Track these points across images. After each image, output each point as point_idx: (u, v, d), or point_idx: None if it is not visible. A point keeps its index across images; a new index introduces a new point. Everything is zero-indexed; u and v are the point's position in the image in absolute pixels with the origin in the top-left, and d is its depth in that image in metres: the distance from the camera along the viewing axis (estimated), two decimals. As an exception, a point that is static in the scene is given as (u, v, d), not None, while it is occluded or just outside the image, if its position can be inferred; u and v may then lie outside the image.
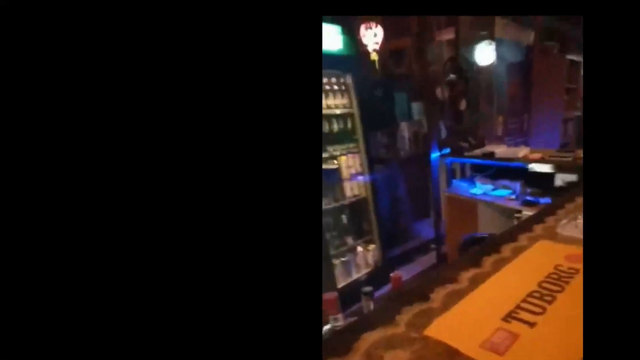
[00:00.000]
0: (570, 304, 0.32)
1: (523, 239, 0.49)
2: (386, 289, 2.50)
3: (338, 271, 2.29)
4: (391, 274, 0.94)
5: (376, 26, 2.21)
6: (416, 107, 3.11)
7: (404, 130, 3.04)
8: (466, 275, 0.40)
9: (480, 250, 0.47)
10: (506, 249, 0.46)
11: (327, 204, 2.16)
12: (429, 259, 2.79)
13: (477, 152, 2.47)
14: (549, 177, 1.90)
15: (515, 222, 1.05)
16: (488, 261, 0.43)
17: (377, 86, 2.61)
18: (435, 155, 2.56)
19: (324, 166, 2.12)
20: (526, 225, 0.53)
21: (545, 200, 1.89)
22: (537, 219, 0.57)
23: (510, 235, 0.50)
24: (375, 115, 2.47)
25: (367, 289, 0.88)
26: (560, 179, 1.89)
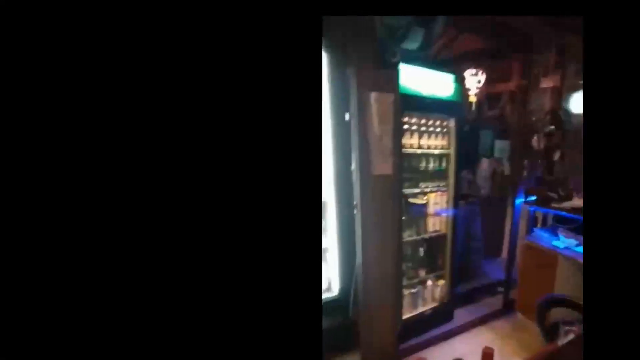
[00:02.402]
0: None
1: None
2: (448, 326, 2.53)
3: (406, 302, 2.35)
4: (484, 349, 0.94)
5: (482, 73, 2.26)
6: (499, 144, 3.08)
7: (484, 166, 3.03)
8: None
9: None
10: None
11: (409, 236, 2.23)
12: (496, 301, 2.75)
13: (566, 204, 2.40)
14: None
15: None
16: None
17: (467, 125, 2.64)
18: (519, 200, 2.54)
19: (414, 200, 2.20)
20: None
21: None
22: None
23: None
24: (463, 153, 2.51)
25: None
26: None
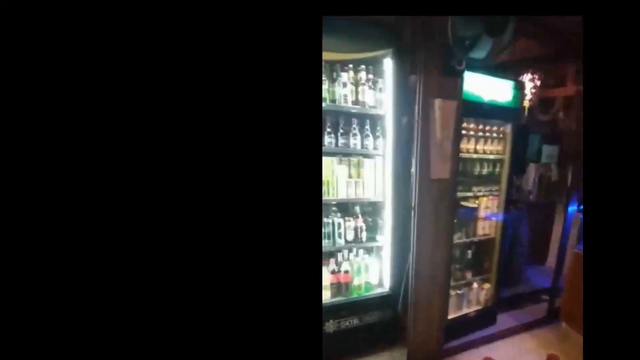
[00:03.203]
0: None
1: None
2: (491, 330, 2.53)
3: (451, 302, 2.39)
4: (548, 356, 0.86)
5: (537, 78, 2.24)
6: (547, 149, 3.03)
7: (531, 171, 2.99)
8: None
9: None
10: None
11: (458, 238, 2.27)
12: (540, 309, 2.72)
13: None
14: None
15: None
16: None
17: (520, 130, 2.62)
18: (572, 208, 2.49)
19: (465, 204, 2.24)
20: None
21: None
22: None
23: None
24: (515, 158, 2.50)
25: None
26: None
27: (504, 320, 2.63)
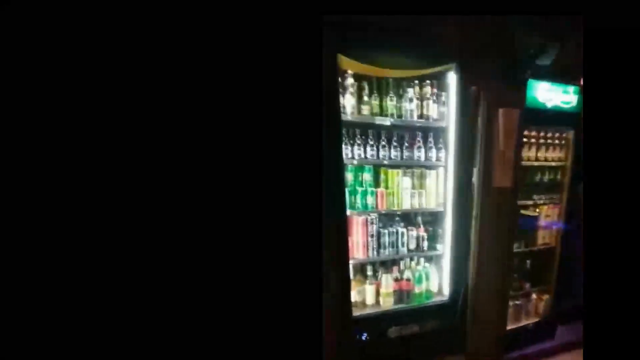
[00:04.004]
0: None
1: None
2: (549, 343, 2.45)
3: (510, 313, 2.34)
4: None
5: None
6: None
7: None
8: None
9: None
10: None
11: (517, 247, 2.24)
12: (604, 323, 2.60)
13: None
14: None
15: None
16: None
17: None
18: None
19: (525, 212, 2.20)
20: None
21: None
22: None
23: None
24: (577, 165, 2.42)
25: None
26: None
27: (564, 334, 2.52)
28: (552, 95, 2.00)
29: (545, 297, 2.48)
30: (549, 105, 2.00)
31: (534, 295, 2.44)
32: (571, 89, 2.07)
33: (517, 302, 2.37)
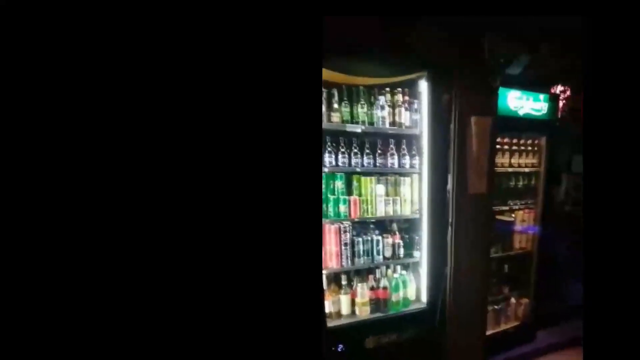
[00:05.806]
0: None
1: None
2: (529, 346, 2.46)
3: (489, 318, 2.35)
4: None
5: (568, 89, 2.25)
6: (577, 159, 2.96)
7: (564, 182, 2.92)
8: None
9: None
10: None
11: (494, 252, 2.25)
12: (581, 326, 2.62)
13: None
14: None
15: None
16: None
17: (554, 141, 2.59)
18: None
19: (501, 217, 2.22)
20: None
21: None
22: None
23: None
24: (550, 170, 2.46)
25: None
26: None
27: (544, 337, 2.54)
28: (523, 102, 2.03)
29: (524, 300, 2.49)
30: (521, 113, 2.03)
31: (513, 300, 2.45)
32: (542, 96, 2.12)
33: (496, 307, 2.38)
